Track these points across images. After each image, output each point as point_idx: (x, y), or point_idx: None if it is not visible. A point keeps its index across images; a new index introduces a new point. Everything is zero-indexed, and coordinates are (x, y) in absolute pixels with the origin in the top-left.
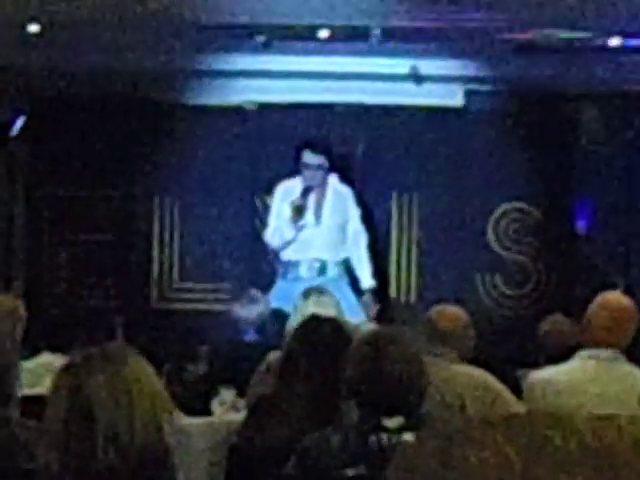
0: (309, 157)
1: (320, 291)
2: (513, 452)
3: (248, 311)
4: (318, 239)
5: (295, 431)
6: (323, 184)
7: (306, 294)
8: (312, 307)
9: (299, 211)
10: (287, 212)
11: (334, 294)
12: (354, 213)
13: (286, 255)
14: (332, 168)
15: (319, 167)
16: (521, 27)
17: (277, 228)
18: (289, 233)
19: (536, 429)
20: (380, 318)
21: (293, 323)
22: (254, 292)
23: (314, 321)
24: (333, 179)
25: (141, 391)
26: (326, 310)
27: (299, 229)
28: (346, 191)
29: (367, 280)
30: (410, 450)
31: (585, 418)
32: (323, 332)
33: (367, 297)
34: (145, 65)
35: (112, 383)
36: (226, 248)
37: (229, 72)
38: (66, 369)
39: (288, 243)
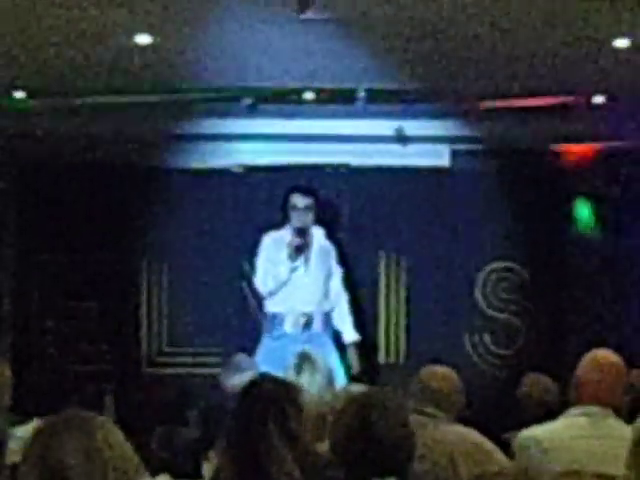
0: (298, 199)
1: (310, 359)
2: None
3: (234, 379)
4: (304, 290)
5: None
6: (310, 234)
7: (298, 369)
8: (305, 379)
9: (299, 249)
10: (283, 254)
11: (322, 359)
12: (336, 270)
13: (272, 307)
14: (318, 221)
15: (308, 208)
16: (507, 87)
17: (268, 272)
18: (284, 274)
19: None
20: (367, 380)
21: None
22: (239, 359)
23: (261, 381)
24: (319, 232)
25: (114, 457)
26: (316, 381)
27: (293, 270)
28: (330, 248)
29: (350, 334)
30: None
31: (555, 477)
32: (272, 391)
33: (351, 351)
34: (132, 130)
35: (84, 448)
36: (214, 311)
37: (215, 135)
38: (37, 433)
39: (282, 285)
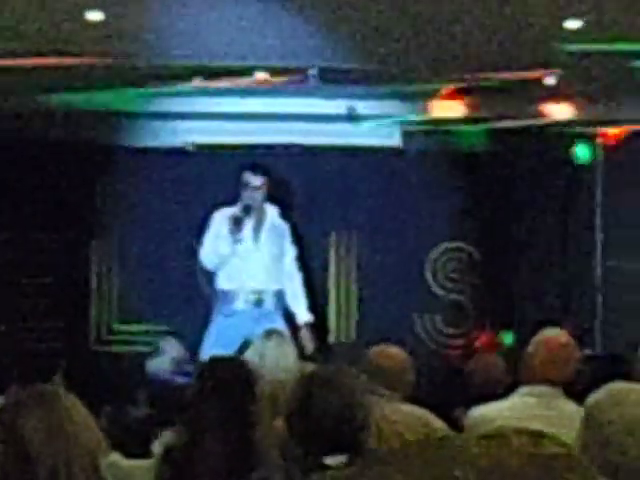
0: (250, 177)
1: (280, 334)
2: None
3: (158, 363)
4: (255, 266)
5: (216, 474)
6: (263, 212)
7: (267, 335)
8: (273, 349)
9: (237, 222)
10: (224, 228)
11: (289, 339)
12: (290, 249)
13: (222, 284)
14: (272, 200)
15: (258, 188)
16: (458, 68)
17: (213, 246)
18: (225, 247)
19: (433, 462)
20: (319, 357)
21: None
22: (157, 343)
23: (217, 362)
24: (273, 210)
25: (77, 431)
26: (286, 353)
27: (235, 242)
28: (284, 227)
29: (303, 315)
30: None
31: (478, 441)
32: (228, 372)
33: (304, 332)
34: (80, 107)
35: (48, 423)
36: (164, 290)
37: (167, 114)
38: (0, 410)
39: (225, 259)
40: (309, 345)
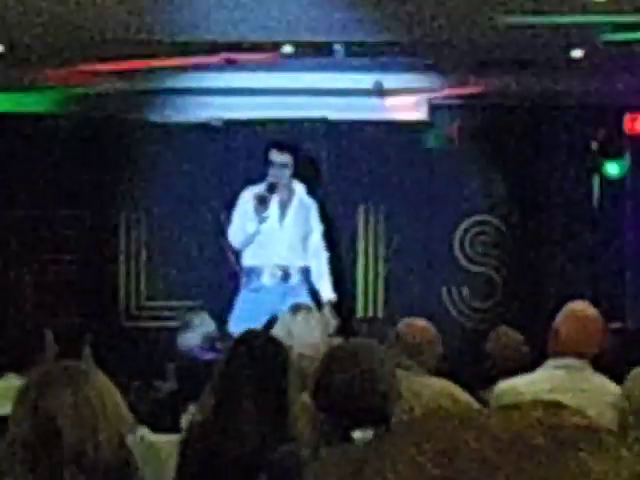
0: (275, 155)
1: (308, 308)
2: (428, 463)
3: (189, 337)
4: (280, 243)
5: (244, 448)
6: (290, 190)
7: (295, 310)
8: (301, 323)
9: (262, 201)
10: (250, 206)
11: (317, 314)
12: (317, 227)
13: (248, 260)
14: (299, 177)
15: (284, 165)
16: (486, 42)
17: (240, 225)
18: (251, 226)
19: (449, 434)
20: (344, 333)
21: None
22: (189, 317)
23: (249, 337)
24: (300, 188)
25: (104, 408)
26: (313, 328)
27: (261, 221)
28: (311, 203)
29: (327, 293)
30: (321, 468)
31: (492, 411)
32: (260, 347)
33: (327, 310)
34: (109, 84)
35: (75, 400)
36: (193, 265)
37: (194, 89)
38: (28, 386)
39: (251, 237)
40: (332, 323)
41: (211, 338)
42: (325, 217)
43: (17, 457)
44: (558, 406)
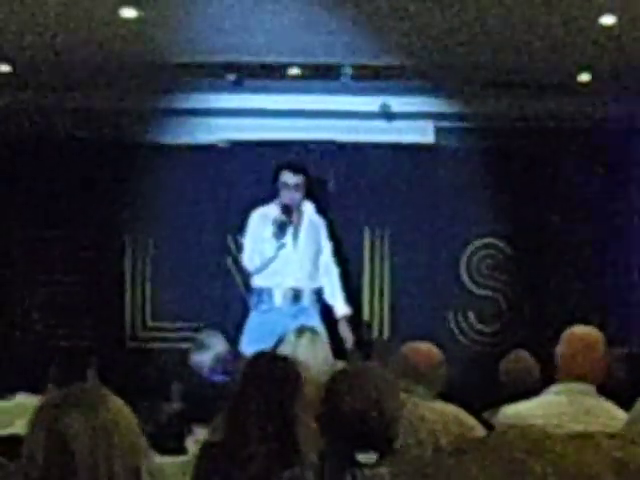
0: (288, 176)
1: (313, 331)
2: None
3: (201, 357)
4: (293, 265)
5: (254, 473)
6: (300, 210)
7: (300, 332)
8: (305, 346)
9: (283, 226)
10: (268, 231)
11: (323, 336)
12: (326, 244)
13: (259, 281)
14: (309, 197)
15: (297, 187)
16: (492, 65)
17: (255, 249)
18: (270, 251)
19: (510, 454)
20: (358, 352)
21: None
22: (203, 337)
23: (262, 358)
24: (309, 207)
25: (119, 432)
26: (318, 350)
27: (280, 247)
28: (320, 222)
29: (342, 307)
30: None
31: (561, 438)
32: (273, 369)
33: (343, 325)
34: (115, 104)
35: (90, 423)
36: (198, 287)
37: (200, 110)
38: (43, 408)
39: (269, 262)
40: (349, 338)
41: (223, 359)
42: (333, 237)
43: (31, 479)
44: (630, 440)
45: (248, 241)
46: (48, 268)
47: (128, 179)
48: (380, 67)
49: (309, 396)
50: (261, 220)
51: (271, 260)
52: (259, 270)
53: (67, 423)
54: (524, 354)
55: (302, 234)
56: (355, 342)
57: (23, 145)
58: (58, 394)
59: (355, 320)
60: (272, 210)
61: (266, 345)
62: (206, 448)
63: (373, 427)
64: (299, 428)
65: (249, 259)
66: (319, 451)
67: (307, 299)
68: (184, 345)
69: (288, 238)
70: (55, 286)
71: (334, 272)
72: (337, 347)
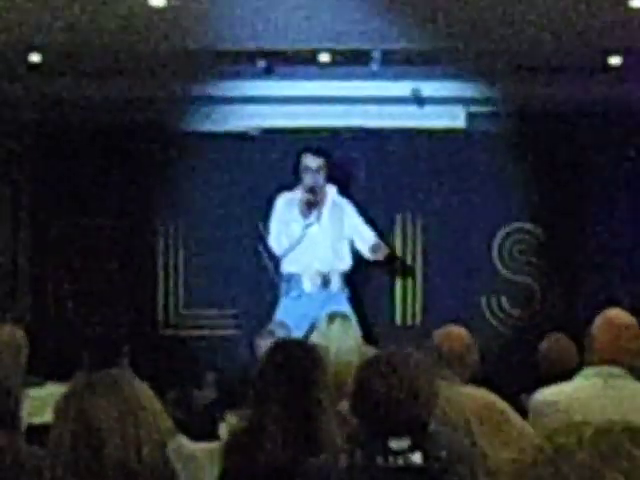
0: (309, 159)
1: (344, 316)
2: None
3: (265, 341)
4: (320, 248)
5: (279, 459)
6: (324, 192)
7: (331, 319)
8: (337, 332)
9: (310, 205)
10: (294, 212)
11: (353, 321)
12: (357, 221)
13: (287, 267)
14: (333, 181)
15: (319, 169)
16: (523, 49)
17: (281, 231)
18: (297, 230)
19: (622, 445)
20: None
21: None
22: (272, 326)
23: (284, 345)
24: (332, 189)
25: (147, 416)
26: (349, 336)
27: (307, 226)
28: (343, 203)
29: (371, 239)
30: None
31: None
32: (294, 355)
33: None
34: (147, 93)
35: (118, 408)
36: (231, 274)
37: (231, 98)
38: (69, 394)
39: (296, 243)
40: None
41: None
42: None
43: (59, 465)
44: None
45: (274, 224)
46: (81, 256)
47: (160, 167)
48: (410, 52)
49: (341, 380)
50: (286, 203)
51: (298, 241)
52: (287, 252)
53: (94, 406)
54: (563, 337)
55: (325, 216)
56: (381, 329)
57: (56, 134)
58: (83, 380)
59: (385, 304)
60: (296, 194)
61: (296, 331)
62: (234, 435)
63: (406, 412)
64: (323, 414)
65: (277, 242)
66: (346, 435)
67: (335, 285)
68: (217, 332)
69: (313, 218)
70: (88, 274)
71: (363, 227)
72: (366, 332)
